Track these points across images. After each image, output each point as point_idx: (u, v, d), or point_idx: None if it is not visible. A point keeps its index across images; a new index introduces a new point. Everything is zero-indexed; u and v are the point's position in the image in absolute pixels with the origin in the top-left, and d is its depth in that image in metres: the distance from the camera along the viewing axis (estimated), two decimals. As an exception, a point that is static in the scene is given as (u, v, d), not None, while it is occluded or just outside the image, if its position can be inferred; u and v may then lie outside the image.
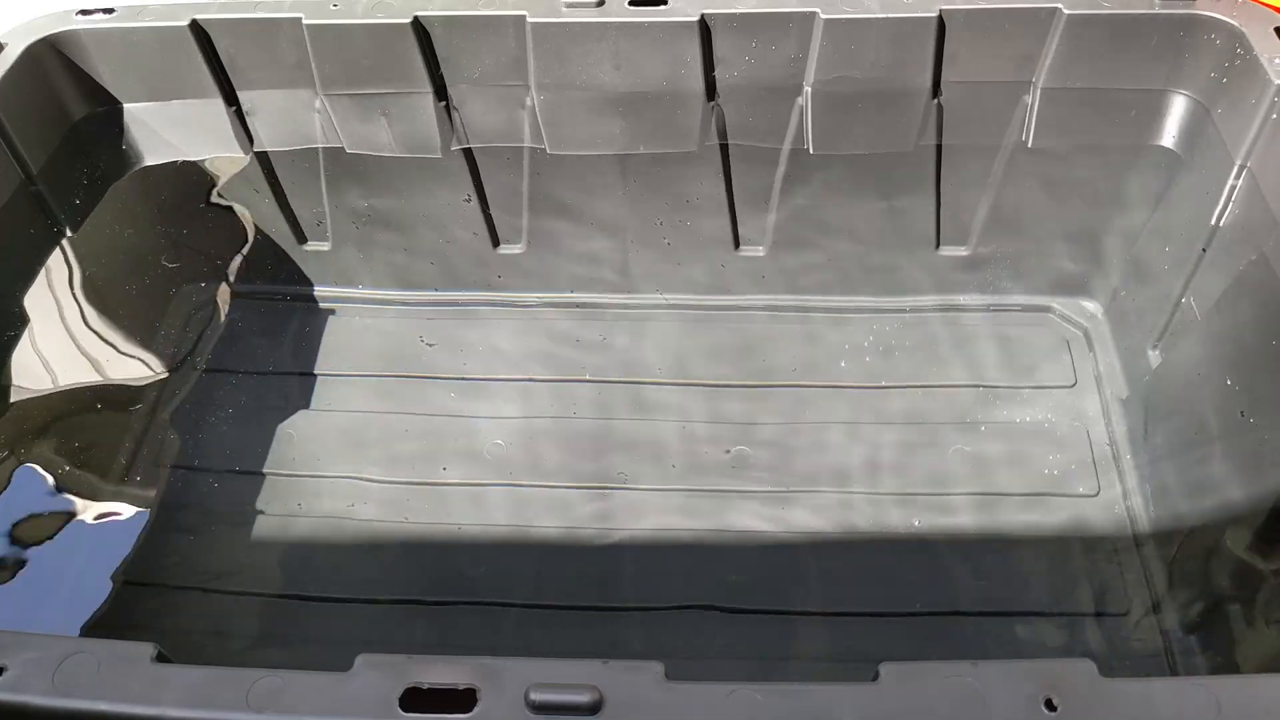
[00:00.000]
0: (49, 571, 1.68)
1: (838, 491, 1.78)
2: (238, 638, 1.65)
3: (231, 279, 2.12)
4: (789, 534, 1.74)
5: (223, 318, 2.09)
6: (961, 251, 1.98)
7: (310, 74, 1.78)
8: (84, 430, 1.83)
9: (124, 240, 1.95)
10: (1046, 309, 2.03)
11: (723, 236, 2.00)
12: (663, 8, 1.69)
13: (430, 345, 2.03)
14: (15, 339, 1.71)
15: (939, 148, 1.84)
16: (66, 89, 1.77)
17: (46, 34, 1.70)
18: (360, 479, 1.83)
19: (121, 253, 1.95)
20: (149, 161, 1.89)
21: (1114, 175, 1.83)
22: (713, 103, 1.80)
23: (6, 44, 1.67)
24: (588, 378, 1.97)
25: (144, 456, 1.85)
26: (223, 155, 1.92)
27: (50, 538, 1.72)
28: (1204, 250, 1.67)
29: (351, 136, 1.87)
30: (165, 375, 1.97)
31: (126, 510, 1.78)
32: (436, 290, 2.10)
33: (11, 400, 1.70)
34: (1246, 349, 1.54)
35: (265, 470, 1.84)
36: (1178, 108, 1.72)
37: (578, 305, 2.09)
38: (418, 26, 1.71)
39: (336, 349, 2.04)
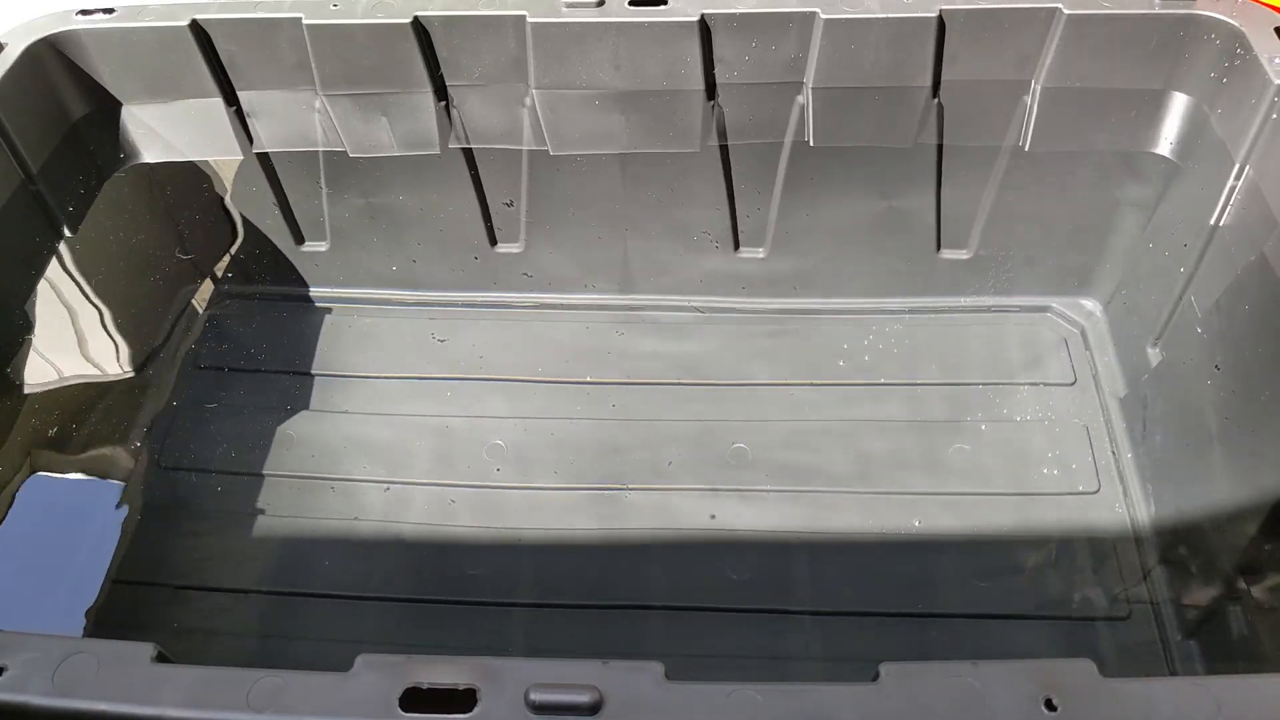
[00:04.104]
0: (49, 571, 1.68)
1: (838, 491, 1.78)
2: (238, 637, 1.65)
3: (231, 279, 2.12)
4: (789, 534, 1.74)
5: (222, 319, 2.09)
6: (962, 255, 1.98)
7: (310, 74, 1.78)
8: (85, 430, 1.83)
9: (124, 240, 1.95)
10: (1045, 308, 2.03)
11: (723, 237, 1.99)
12: (663, 8, 1.69)
13: (441, 341, 2.03)
14: (16, 339, 1.71)
15: (939, 148, 1.84)
16: (66, 89, 1.77)
17: (46, 34, 1.70)
18: (359, 479, 1.83)
19: (122, 253, 1.95)
20: (148, 161, 1.89)
21: (1114, 175, 1.83)
22: (713, 102, 1.80)
23: (6, 44, 1.67)
24: (588, 379, 1.97)
25: (144, 457, 1.85)
26: (222, 155, 1.91)
27: (51, 537, 1.72)
28: (1203, 250, 1.67)
29: (352, 136, 1.87)
30: (165, 376, 1.97)
31: (127, 510, 1.78)
32: (434, 290, 2.10)
33: (12, 400, 1.70)
34: (1246, 348, 1.54)
35: (265, 470, 1.84)
36: (1177, 108, 1.72)
37: (576, 305, 2.09)
38: (418, 26, 1.71)
39: (334, 349, 2.04)
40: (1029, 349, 1.97)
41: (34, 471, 1.72)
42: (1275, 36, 1.57)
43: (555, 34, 1.71)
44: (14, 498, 1.67)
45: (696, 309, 2.07)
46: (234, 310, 2.10)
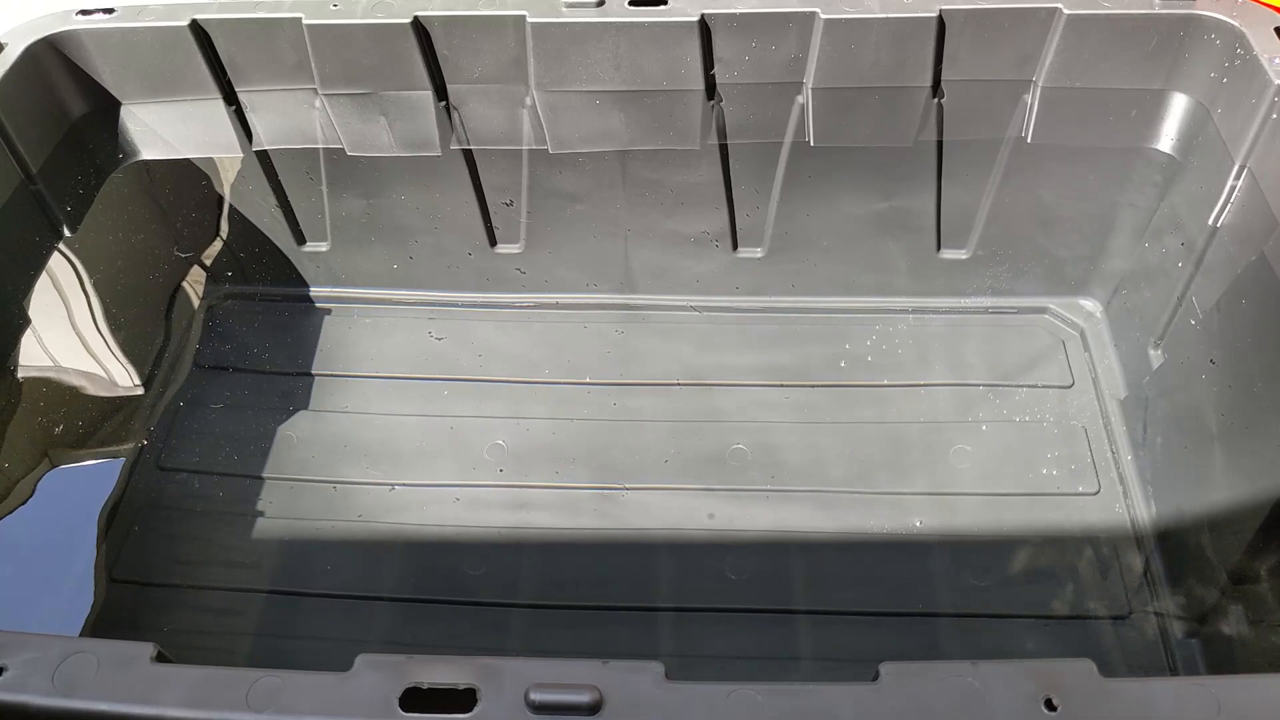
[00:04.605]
0: (49, 571, 1.68)
1: (837, 492, 1.79)
2: (237, 637, 1.65)
3: (231, 279, 2.12)
4: (789, 534, 1.74)
5: (222, 318, 2.09)
6: (962, 255, 1.98)
7: (310, 74, 1.78)
8: (85, 429, 1.83)
9: (123, 240, 1.95)
10: (1044, 309, 2.03)
11: (722, 237, 1.99)
12: (663, 8, 1.69)
13: (441, 340, 2.03)
14: (16, 339, 1.71)
15: (939, 148, 1.84)
16: (66, 88, 1.77)
17: (46, 34, 1.70)
18: (360, 479, 1.83)
19: (121, 252, 1.95)
20: (148, 160, 1.89)
21: (1114, 175, 1.83)
22: (713, 102, 1.80)
23: (6, 44, 1.67)
24: (587, 379, 1.97)
25: (144, 457, 1.85)
26: (222, 155, 1.91)
27: (51, 537, 1.72)
28: (1203, 250, 1.67)
29: (351, 136, 1.87)
30: (165, 377, 1.97)
31: (127, 510, 1.78)
32: (434, 290, 2.10)
33: (12, 400, 1.70)
34: (1246, 349, 1.54)
35: (265, 471, 1.84)
36: (1178, 108, 1.72)
37: (576, 305, 2.09)
38: (418, 26, 1.71)
39: (335, 350, 2.04)
40: (1029, 350, 1.97)
41: (34, 471, 1.72)
42: (1275, 36, 1.57)
43: (555, 34, 1.71)
44: (13, 494, 1.67)
45: (695, 309, 2.07)
46: (234, 310, 2.10)
